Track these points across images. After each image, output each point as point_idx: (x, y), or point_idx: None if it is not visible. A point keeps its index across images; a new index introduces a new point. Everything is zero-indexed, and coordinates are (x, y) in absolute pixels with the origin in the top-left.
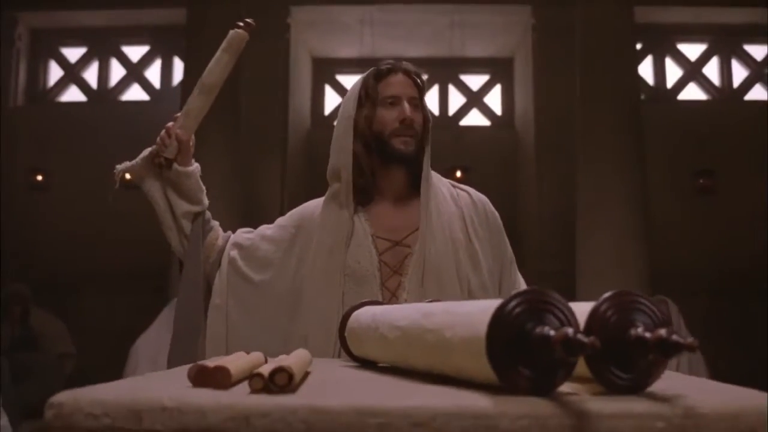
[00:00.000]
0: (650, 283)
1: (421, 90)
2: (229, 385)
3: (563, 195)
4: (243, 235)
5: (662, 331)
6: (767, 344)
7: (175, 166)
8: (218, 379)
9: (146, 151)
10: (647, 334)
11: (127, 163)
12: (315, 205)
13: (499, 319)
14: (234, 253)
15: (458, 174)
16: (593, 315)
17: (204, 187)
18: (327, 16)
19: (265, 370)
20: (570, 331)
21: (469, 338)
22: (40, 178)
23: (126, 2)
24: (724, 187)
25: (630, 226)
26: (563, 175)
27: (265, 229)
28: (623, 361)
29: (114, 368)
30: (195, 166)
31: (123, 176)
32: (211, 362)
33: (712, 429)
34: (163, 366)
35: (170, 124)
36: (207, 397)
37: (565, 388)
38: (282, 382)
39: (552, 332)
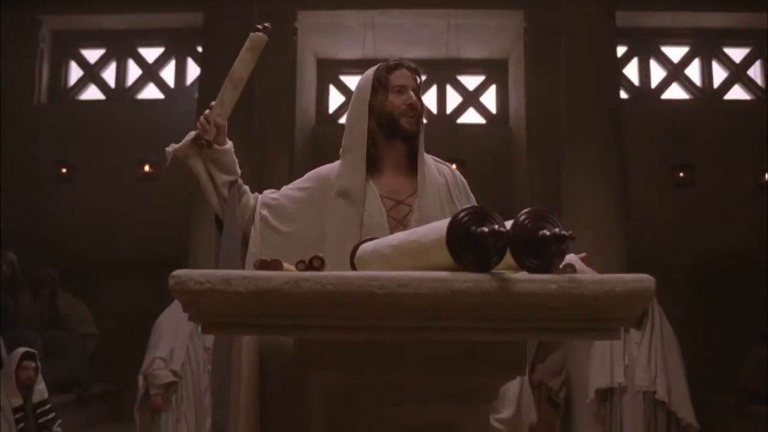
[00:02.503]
0: (628, 268)
1: (420, 83)
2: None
3: (551, 186)
4: (269, 195)
5: (556, 230)
6: (739, 327)
7: (215, 145)
8: (274, 267)
9: (190, 135)
10: (548, 233)
11: (174, 145)
12: (329, 168)
13: (453, 224)
14: (264, 211)
15: (454, 167)
16: (515, 222)
17: (236, 160)
18: (332, 20)
19: (306, 259)
20: (496, 227)
21: (437, 239)
22: (64, 170)
23: (142, 6)
24: (702, 180)
25: (610, 214)
26: (551, 169)
27: (287, 189)
28: (535, 252)
29: (131, 348)
30: (229, 144)
31: (173, 156)
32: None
33: (586, 288)
34: (182, 339)
35: (207, 111)
36: (270, 272)
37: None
38: (317, 264)
39: (486, 229)
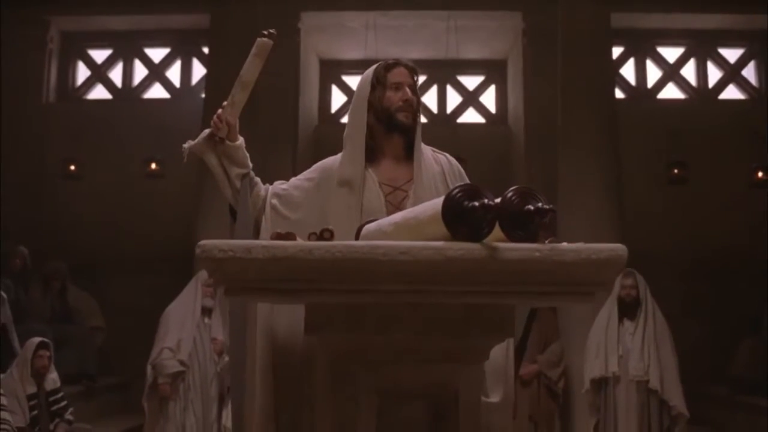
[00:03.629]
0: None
1: (416, 80)
2: None
3: (548, 184)
4: (279, 186)
5: (539, 204)
6: (732, 321)
7: (227, 142)
8: (288, 238)
9: (205, 133)
10: (532, 207)
11: (191, 142)
12: (333, 160)
13: (448, 199)
14: (274, 201)
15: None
16: (503, 198)
17: (248, 154)
18: (334, 21)
19: (317, 231)
20: (485, 200)
21: (434, 214)
22: (73, 168)
23: (149, 8)
24: (696, 177)
25: (606, 210)
26: (549, 167)
27: (295, 180)
28: (521, 224)
29: (138, 342)
30: (241, 140)
31: (189, 151)
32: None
33: (565, 256)
34: (189, 330)
35: (220, 111)
36: (286, 242)
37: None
38: (327, 236)
39: (477, 203)
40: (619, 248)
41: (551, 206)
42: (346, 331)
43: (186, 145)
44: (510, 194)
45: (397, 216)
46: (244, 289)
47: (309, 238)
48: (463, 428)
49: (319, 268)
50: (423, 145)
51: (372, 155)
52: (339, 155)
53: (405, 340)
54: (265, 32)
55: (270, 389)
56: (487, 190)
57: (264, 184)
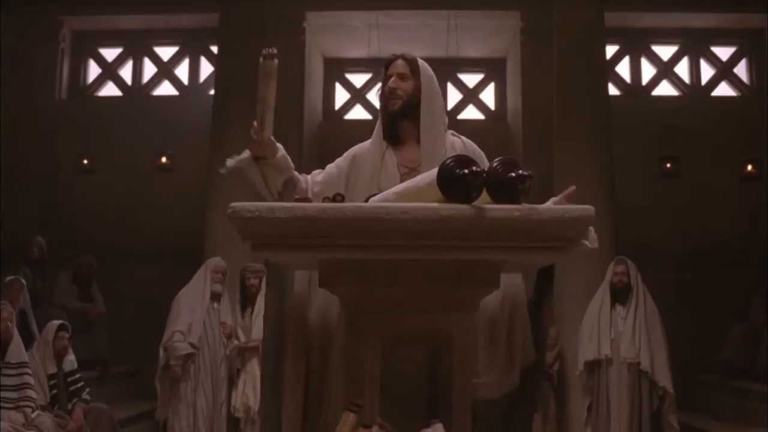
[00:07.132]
0: (616, 252)
1: (413, 66)
2: None
3: (545, 178)
4: (317, 176)
5: (520, 171)
6: (722, 310)
7: (269, 159)
8: (306, 201)
9: (246, 152)
10: (514, 174)
11: (235, 159)
12: (360, 146)
13: (442, 168)
14: (317, 189)
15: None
16: (490, 168)
17: (290, 159)
18: (338, 21)
19: (330, 195)
20: (473, 168)
21: (431, 181)
22: (85, 161)
23: (158, 7)
24: (687, 171)
25: (600, 203)
26: (545, 161)
27: (329, 168)
28: (505, 189)
29: (149, 330)
30: (281, 153)
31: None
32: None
33: (542, 215)
34: (199, 314)
35: (255, 135)
36: (304, 203)
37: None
38: (339, 199)
39: (466, 171)
40: (588, 208)
41: (530, 173)
42: (354, 284)
43: (228, 164)
44: (495, 164)
45: (399, 186)
46: (268, 245)
47: (323, 202)
48: (455, 369)
49: (332, 226)
50: (445, 129)
51: (397, 139)
52: (367, 142)
53: (405, 292)
54: (266, 52)
55: (300, 359)
56: (475, 161)
57: (301, 174)
